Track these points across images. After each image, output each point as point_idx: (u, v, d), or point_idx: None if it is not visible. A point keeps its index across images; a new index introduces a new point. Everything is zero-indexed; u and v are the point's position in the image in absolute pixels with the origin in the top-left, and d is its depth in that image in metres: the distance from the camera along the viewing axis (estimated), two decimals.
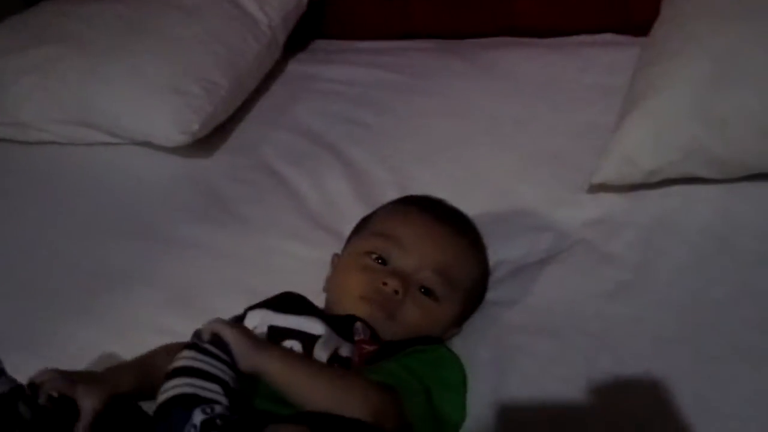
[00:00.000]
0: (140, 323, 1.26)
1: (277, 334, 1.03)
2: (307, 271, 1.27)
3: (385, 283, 1.07)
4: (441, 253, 1.11)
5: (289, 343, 1.01)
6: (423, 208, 1.17)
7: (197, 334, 0.95)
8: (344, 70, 1.80)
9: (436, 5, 1.84)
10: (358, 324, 1.05)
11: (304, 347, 1.01)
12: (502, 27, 1.81)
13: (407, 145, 1.53)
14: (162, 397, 0.90)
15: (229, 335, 0.94)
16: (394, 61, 1.79)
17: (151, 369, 1.06)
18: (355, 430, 0.87)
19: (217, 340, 0.95)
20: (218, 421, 0.86)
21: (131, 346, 1.21)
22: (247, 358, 0.93)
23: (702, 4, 1.33)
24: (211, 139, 1.64)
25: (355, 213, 1.38)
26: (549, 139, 1.45)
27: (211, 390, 0.90)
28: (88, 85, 1.65)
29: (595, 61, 1.61)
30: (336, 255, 1.21)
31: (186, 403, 0.87)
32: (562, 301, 1.15)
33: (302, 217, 1.43)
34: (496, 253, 1.23)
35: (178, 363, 0.93)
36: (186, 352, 0.94)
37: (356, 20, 1.93)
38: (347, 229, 1.34)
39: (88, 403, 0.95)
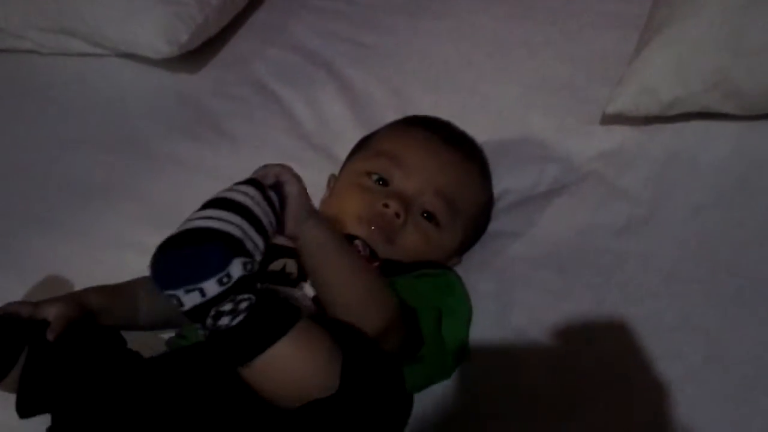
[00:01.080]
0: (119, 239, 1.19)
1: (270, 252, 0.95)
2: None
3: (386, 205, 1.00)
4: (445, 176, 1.04)
5: (282, 262, 0.95)
6: (429, 128, 1.09)
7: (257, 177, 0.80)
8: None
9: None
10: (358, 241, 0.98)
11: (298, 265, 0.94)
12: None
13: (409, 67, 1.44)
14: (200, 221, 0.72)
15: (294, 189, 0.80)
16: None
17: (127, 294, 0.99)
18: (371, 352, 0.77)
19: (278, 188, 0.80)
20: (257, 284, 0.72)
21: (110, 263, 1.15)
22: (300, 220, 0.80)
23: None
24: (199, 52, 1.54)
25: (352, 135, 1.30)
26: (560, 66, 1.36)
27: (256, 244, 0.74)
28: None
29: None
30: (333, 176, 1.14)
31: (230, 245, 0.70)
32: (570, 234, 1.08)
33: (294, 137, 1.35)
34: (501, 182, 1.17)
35: (235, 195, 0.75)
36: (247, 188, 0.76)
37: None
38: (342, 151, 1.27)
39: (54, 311, 0.88)
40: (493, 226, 1.13)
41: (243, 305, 0.70)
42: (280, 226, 0.79)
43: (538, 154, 1.23)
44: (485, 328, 0.97)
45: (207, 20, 1.51)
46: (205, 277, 0.69)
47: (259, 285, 0.72)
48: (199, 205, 1.22)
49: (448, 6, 1.58)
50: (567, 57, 1.38)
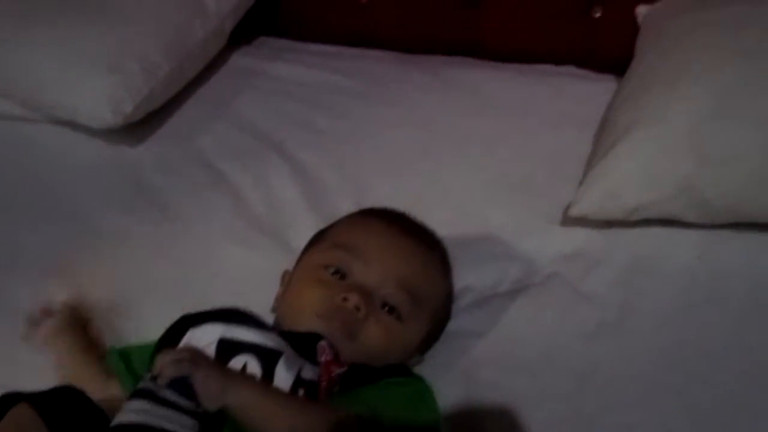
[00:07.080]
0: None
1: (228, 349, 0.88)
2: (249, 279, 1.14)
3: (345, 299, 0.94)
4: (406, 266, 0.99)
5: (242, 359, 0.87)
6: (387, 219, 1.05)
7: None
8: (294, 70, 1.66)
9: (400, 15, 1.73)
10: (324, 342, 0.91)
11: (262, 365, 0.86)
12: (466, 46, 1.71)
13: (364, 153, 1.40)
14: None
15: (196, 373, 0.80)
16: (350, 66, 1.65)
17: None
18: None
19: (177, 380, 0.79)
20: None
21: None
22: (216, 397, 0.80)
23: (694, 40, 1.26)
24: (140, 125, 1.46)
25: (305, 220, 1.25)
26: (517, 163, 1.34)
27: None
28: (8, 49, 1.46)
29: (563, 90, 1.52)
30: (287, 272, 1.07)
31: None
32: (537, 336, 1.04)
33: (244, 218, 1.28)
34: (461, 280, 1.12)
35: (129, 417, 0.78)
36: (138, 404, 0.79)
37: (310, 21, 1.80)
38: (295, 237, 1.21)
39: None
40: (455, 324, 1.08)
41: None
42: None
43: (498, 252, 1.19)
44: None
45: (153, 92, 1.45)
46: None
47: None
48: (138, 285, 1.16)
49: (400, 95, 1.55)
50: (524, 154, 1.36)
